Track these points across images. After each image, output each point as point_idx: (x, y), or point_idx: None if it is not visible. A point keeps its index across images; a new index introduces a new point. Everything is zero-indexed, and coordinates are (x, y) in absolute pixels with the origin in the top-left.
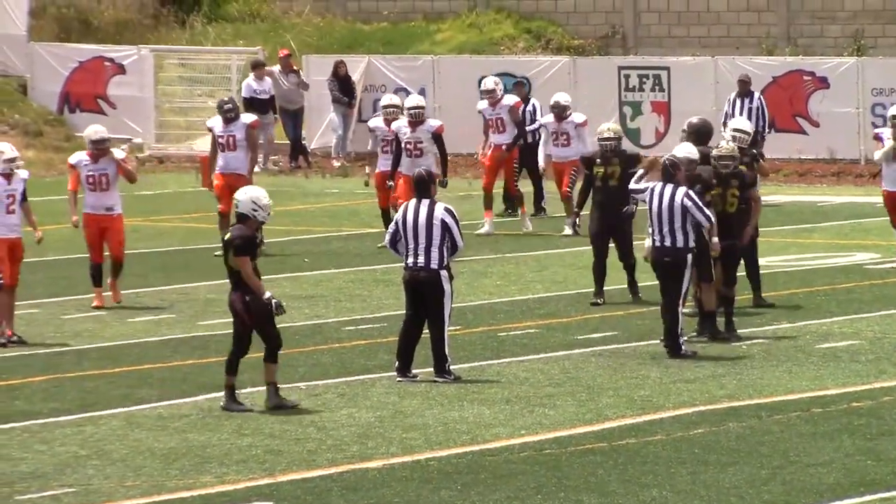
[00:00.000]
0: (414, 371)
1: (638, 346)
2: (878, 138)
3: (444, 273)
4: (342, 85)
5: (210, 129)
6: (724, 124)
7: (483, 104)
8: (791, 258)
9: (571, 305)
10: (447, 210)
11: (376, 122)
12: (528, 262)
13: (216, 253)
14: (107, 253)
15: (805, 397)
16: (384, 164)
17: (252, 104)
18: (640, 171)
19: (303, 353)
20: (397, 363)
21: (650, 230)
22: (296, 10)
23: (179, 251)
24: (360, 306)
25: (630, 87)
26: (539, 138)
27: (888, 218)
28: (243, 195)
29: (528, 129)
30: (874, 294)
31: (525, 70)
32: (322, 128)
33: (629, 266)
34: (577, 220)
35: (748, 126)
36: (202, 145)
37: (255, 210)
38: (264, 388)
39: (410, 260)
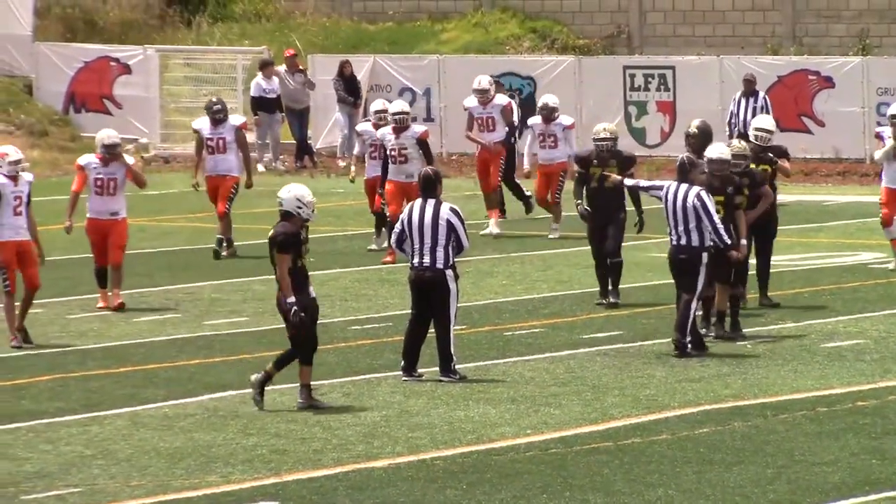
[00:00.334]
0: (419, 370)
1: (643, 345)
2: (879, 137)
3: (449, 273)
4: (348, 85)
5: (196, 131)
6: (730, 124)
7: (472, 101)
8: (796, 257)
9: (577, 305)
10: (453, 210)
11: (365, 126)
12: (534, 261)
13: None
14: None
15: (810, 396)
16: (373, 169)
17: (261, 103)
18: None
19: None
20: (403, 362)
21: (668, 229)
22: (301, 10)
23: (185, 251)
24: (366, 306)
25: (635, 86)
26: (516, 139)
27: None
28: (287, 193)
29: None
30: (879, 293)
31: (530, 70)
32: (327, 127)
33: (615, 265)
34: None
35: (770, 124)
36: None
37: (300, 207)
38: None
39: (416, 260)
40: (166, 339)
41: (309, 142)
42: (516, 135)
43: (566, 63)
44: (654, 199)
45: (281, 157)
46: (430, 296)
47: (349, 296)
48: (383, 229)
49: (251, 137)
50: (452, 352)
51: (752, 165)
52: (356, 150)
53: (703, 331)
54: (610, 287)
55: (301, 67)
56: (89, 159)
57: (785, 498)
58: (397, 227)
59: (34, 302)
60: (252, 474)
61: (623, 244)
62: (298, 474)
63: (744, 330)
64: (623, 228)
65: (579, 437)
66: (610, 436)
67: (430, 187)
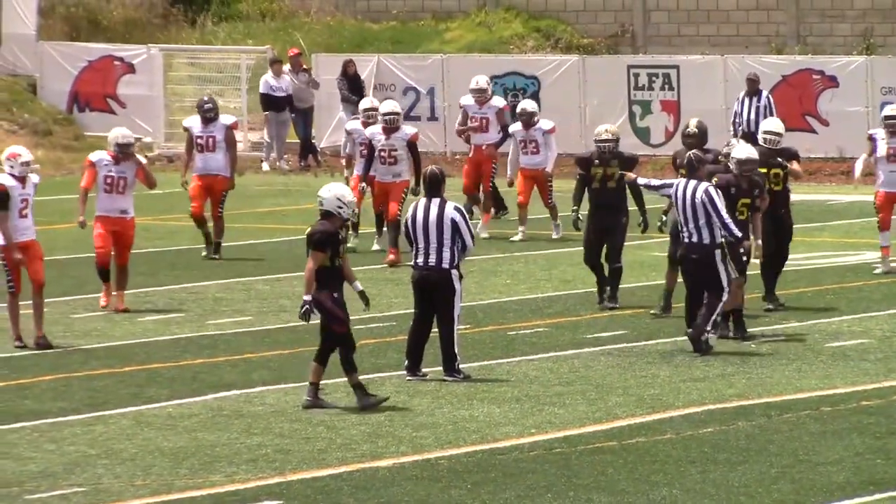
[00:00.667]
0: (423, 370)
1: (647, 344)
2: (871, 139)
3: (454, 272)
4: (351, 84)
5: (187, 129)
6: (734, 123)
7: (468, 100)
8: (800, 257)
9: (580, 304)
10: (457, 209)
11: (354, 125)
12: (538, 260)
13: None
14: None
15: (814, 396)
16: (361, 167)
17: (268, 101)
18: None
19: (313, 351)
20: (407, 362)
21: (680, 227)
22: (305, 9)
23: (188, 250)
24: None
25: (639, 85)
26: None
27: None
28: (328, 192)
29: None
30: (883, 293)
31: (534, 69)
32: (331, 127)
33: (615, 271)
34: (579, 215)
35: (779, 127)
36: None
37: (340, 207)
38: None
39: (421, 259)
40: (170, 339)
41: (313, 141)
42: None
43: (570, 62)
44: (665, 197)
45: (285, 156)
46: (434, 295)
47: (352, 294)
48: (383, 229)
49: (256, 136)
50: (456, 351)
51: (763, 169)
52: (346, 150)
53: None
54: (608, 292)
55: (305, 67)
56: (101, 156)
57: (789, 498)
58: (402, 227)
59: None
60: (256, 474)
61: (625, 243)
62: (302, 474)
63: (749, 330)
64: (624, 233)
65: (584, 437)
66: (614, 435)
67: (435, 186)
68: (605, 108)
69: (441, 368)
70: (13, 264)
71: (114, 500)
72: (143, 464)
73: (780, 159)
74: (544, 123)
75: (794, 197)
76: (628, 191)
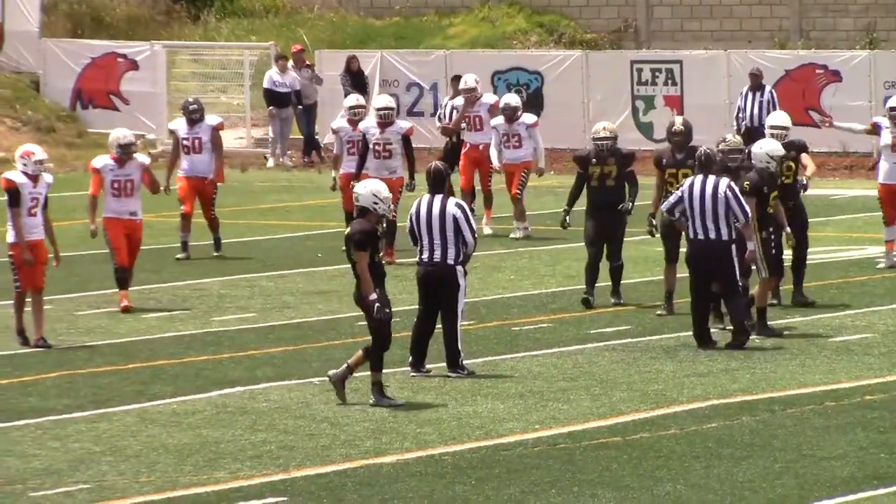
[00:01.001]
0: (427, 366)
1: (651, 340)
2: (875, 126)
3: (459, 269)
4: (355, 80)
5: (173, 132)
6: (737, 118)
7: (460, 101)
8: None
9: None
10: (458, 205)
11: (340, 123)
12: (541, 256)
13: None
14: None
15: (818, 391)
16: (349, 165)
17: (272, 96)
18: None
19: (316, 347)
20: (410, 358)
21: (688, 225)
22: (309, 6)
23: (193, 247)
24: None
25: (643, 80)
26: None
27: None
28: (364, 189)
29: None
30: (887, 287)
31: (537, 64)
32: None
33: (616, 268)
34: (568, 216)
35: (785, 120)
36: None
37: (376, 203)
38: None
39: (425, 255)
40: (174, 336)
41: (316, 137)
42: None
43: (573, 57)
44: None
45: (289, 152)
46: (439, 291)
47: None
48: None
49: (259, 133)
50: (460, 347)
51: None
52: (335, 150)
53: (719, 327)
54: (611, 289)
55: (308, 63)
56: (105, 161)
57: (793, 492)
58: (407, 224)
59: (43, 298)
60: (260, 470)
61: (627, 239)
62: (307, 470)
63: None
64: (624, 230)
65: (588, 432)
66: (618, 431)
67: (438, 182)
68: (608, 103)
69: (445, 364)
70: (20, 262)
71: (118, 496)
72: (148, 461)
73: (792, 152)
74: (527, 118)
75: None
76: (627, 187)
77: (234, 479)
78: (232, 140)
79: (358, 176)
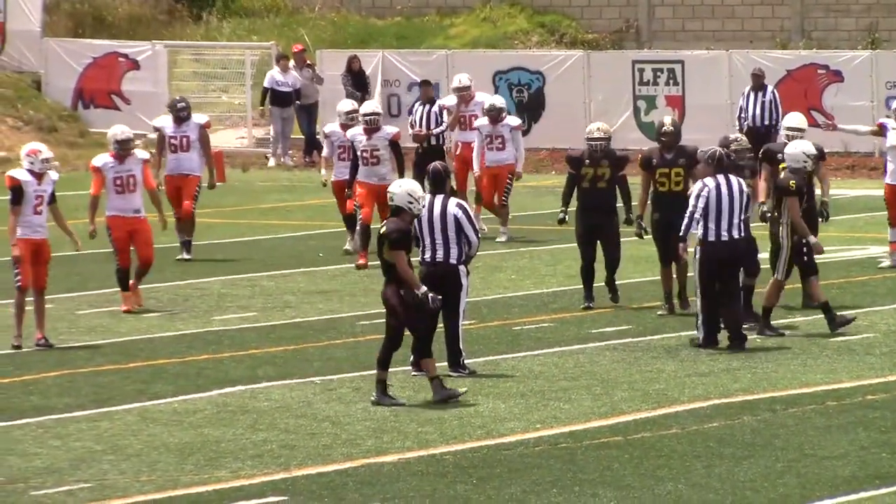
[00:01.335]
0: None
1: (652, 339)
2: (881, 126)
3: (462, 268)
4: (356, 80)
5: (158, 130)
6: (739, 118)
7: (451, 100)
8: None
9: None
10: (459, 205)
11: (332, 127)
12: (543, 256)
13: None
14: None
15: (820, 390)
16: (342, 171)
17: (273, 95)
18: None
19: (318, 347)
20: (412, 357)
21: (702, 224)
22: (310, 5)
23: (194, 247)
24: (375, 301)
25: (644, 80)
26: (444, 141)
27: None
28: (398, 188)
29: (434, 131)
30: (888, 287)
31: (539, 64)
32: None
33: (613, 262)
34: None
35: (801, 122)
36: (216, 140)
37: (411, 203)
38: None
39: (428, 255)
40: (175, 335)
41: (317, 137)
42: (433, 135)
43: (575, 58)
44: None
45: (290, 151)
46: (441, 291)
47: (358, 290)
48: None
49: (261, 132)
50: (461, 347)
51: (783, 165)
52: (325, 152)
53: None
54: (606, 278)
55: (309, 62)
56: (105, 160)
57: (794, 492)
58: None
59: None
60: (261, 469)
61: (625, 239)
62: (308, 469)
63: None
64: (618, 232)
65: (589, 432)
66: (620, 430)
67: (439, 183)
68: (609, 103)
69: (446, 364)
70: (21, 259)
71: (119, 495)
72: (149, 460)
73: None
74: (511, 120)
75: None
76: (618, 190)
77: (235, 478)
78: (233, 140)
79: (351, 184)
